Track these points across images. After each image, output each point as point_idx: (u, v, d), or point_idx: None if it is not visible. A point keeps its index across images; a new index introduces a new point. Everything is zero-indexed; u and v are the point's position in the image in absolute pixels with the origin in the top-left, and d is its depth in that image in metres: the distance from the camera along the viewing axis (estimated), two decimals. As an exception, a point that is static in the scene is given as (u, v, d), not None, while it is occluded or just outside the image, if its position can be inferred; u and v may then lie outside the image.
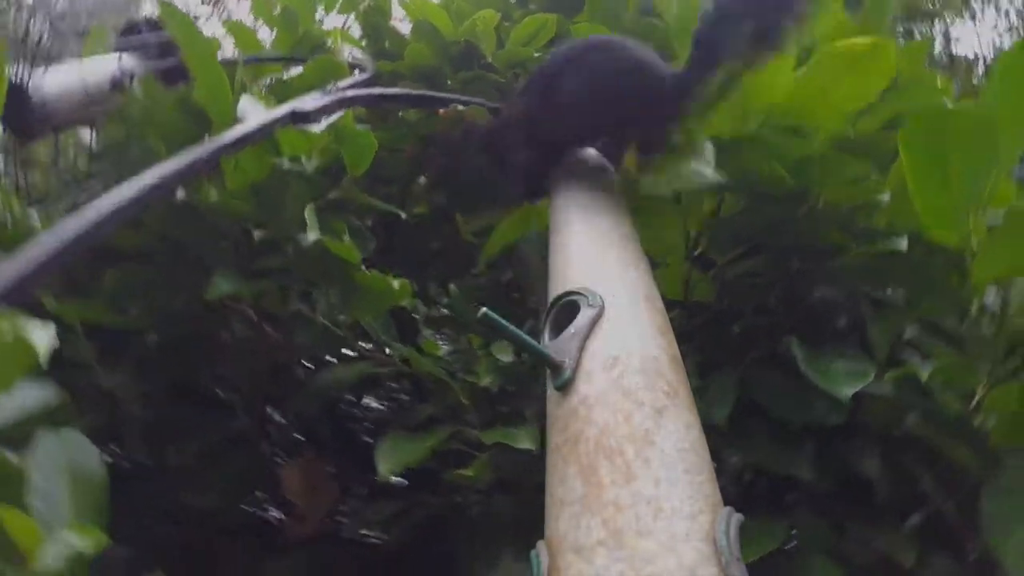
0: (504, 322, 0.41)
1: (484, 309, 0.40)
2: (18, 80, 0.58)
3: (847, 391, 0.54)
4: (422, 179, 1.02)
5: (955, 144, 0.50)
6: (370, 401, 0.97)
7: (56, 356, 0.63)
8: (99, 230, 0.46)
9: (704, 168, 0.55)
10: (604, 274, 0.49)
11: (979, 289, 0.55)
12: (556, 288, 0.50)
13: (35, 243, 0.42)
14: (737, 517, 0.34)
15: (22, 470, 0.49)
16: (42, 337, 0.39)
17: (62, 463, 0.52)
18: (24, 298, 0.40)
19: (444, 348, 0.94)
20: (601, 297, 0.45)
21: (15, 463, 0.49)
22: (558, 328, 0.46)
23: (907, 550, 0.52)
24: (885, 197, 0.64)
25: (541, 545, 0.36)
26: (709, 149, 0.57)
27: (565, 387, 0.41)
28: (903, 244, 0.58)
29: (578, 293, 0.47)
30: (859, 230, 0.65)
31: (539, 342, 0.46)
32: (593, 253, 0.52)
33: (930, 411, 0.56)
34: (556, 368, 0.42)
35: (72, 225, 0.44)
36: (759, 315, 0.74)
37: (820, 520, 0.57)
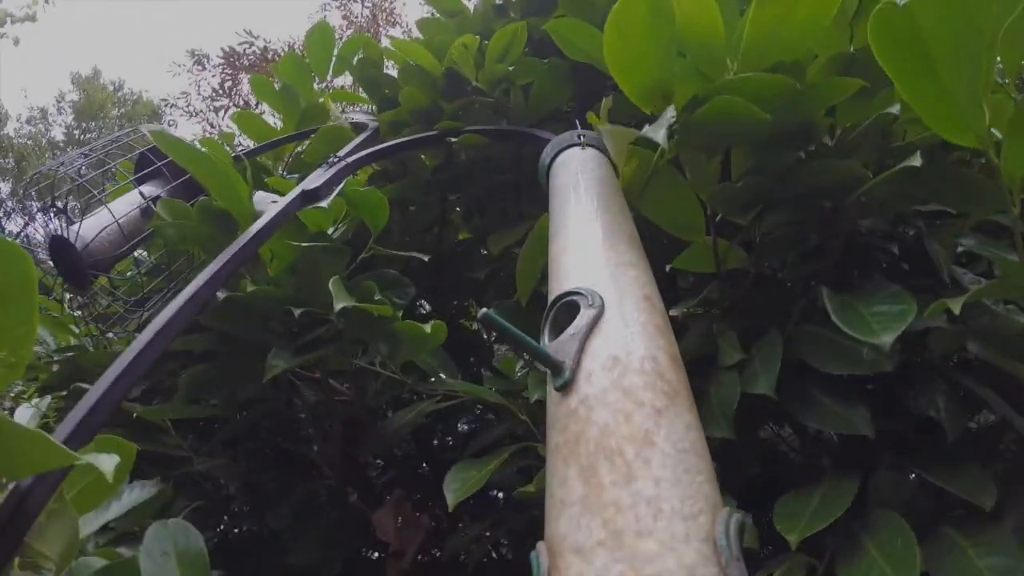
0: (505, 323, 0.41)
1: (484, 310, 0.41)
2: (62, 233, 0.67)
3: (886, 338, 0.50)
4: (458, 209, 1.05)
5: (930, 29, 0.44)
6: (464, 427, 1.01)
7: (156, 455, 0.73)
8: (151, 353, 0.53)
9: (656, 132, 0.52)
10: (604, 274, 0.48)
11: (1013, 186, 0.48)
12: (556, 288, 0.50)
13: (96, 384, 0.49)
14: (737, 517, 0.33)
15: (135, 560, 0.57)
16: (108, 463, 0.44)
17: (168, 548, 0.61)
18: (90, 435, 0.46)
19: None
20: (601, 297, 0.45)
21: (127, 554, 0.58)
22: (558, 328, 0.45)
23: (986, 492, 0.47)
24: (895, 110, 0.58)
25: (541, 546, 0.35)
26: (669, 112, 0.54)
27: (565, 387, 0.41)
28: (916, 159, 0.52)
29: (578, 293, 0.46)
30: (875, 147, 0.59)
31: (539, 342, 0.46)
32: (593, 253, 0.52)
33: (993, 332, 0.50)
34: (556, 368, 0.42)
35: (125, 356, 0.51)
36: (800, 265, 0.69)
37: (892, 472, 0.53)
